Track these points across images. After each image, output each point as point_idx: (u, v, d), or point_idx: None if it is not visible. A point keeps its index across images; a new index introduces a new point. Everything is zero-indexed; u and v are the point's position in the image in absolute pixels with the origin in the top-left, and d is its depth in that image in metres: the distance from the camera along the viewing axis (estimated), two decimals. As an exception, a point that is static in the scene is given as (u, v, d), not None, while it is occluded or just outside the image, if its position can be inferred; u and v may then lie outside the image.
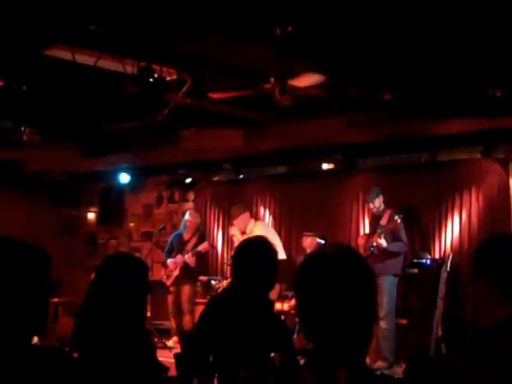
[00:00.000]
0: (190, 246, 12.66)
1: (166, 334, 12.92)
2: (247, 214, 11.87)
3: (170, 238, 13.15)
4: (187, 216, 12.98)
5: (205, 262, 13.19)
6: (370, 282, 2.40)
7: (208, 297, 12.19)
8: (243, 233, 11.57)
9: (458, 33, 6.50)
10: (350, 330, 2.33)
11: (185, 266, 12.54)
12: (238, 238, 11.39)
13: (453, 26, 6.35)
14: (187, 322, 12.40)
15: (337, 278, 2.34)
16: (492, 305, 2.79)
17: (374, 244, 10.25)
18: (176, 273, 12.57)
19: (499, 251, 2.88)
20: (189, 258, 12.48)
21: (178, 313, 12.68)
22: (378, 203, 10.88)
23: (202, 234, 13.34)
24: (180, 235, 12.94)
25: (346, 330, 2.32)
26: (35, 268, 2.73)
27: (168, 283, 12.57)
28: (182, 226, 13.05)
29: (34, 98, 8.88)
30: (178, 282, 12.58)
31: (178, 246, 12.78)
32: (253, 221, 11.93)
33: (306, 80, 8.23)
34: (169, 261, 12.66)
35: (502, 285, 2.77)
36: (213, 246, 13.90)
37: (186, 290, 12.58)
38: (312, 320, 2.37)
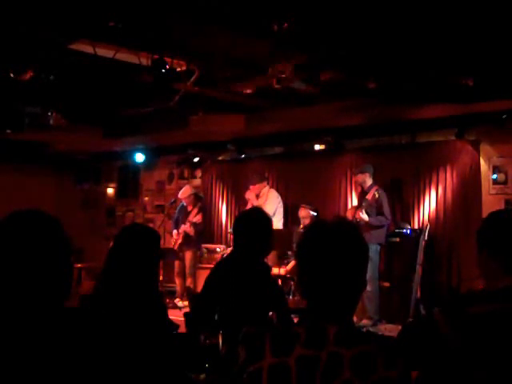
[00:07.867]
0: (192, 216, 12.95)
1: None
2: (264, 183, 12.31)
3: (177, 209, 13.36)
4: (180, 194, 13.25)
5: (201, 231, 13.22)
6: (364, 253, 2.39)
7: (213, 262, 12.23)
8: (257, 196, 12.06)
9: (435, 30, 6.48)
10: (341, 293, 2.31)
11: (186, 235, 12.82)
12: (252, 200, 11.97)
13: (431, 25, 6.33)
14: (189, 283, 12.60)
15: (335, 245, 2.33)
16: (493, 275, 2.75)
17: (358, 218, 10.27)
18: (180, 240, 12.83)
19: (499, 227, 2.79)
20: (187, 227, 12.80)
21: (182, 275, 12.87)
22: (360, 178, 10.89)
23: (202, 204, 13.49)
24: (185, 206, 13.18)
25: (338, 292, 2.30)
26: (64, 237, 2.68)
27: (175, 247, 12.82)
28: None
29: (61, 87, 8.88)
30: (182, 248, 12.85)
31: (183, 217, 13.03)
32: (267, 187, 12.36)
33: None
34: (174, 232, 13.01)
35: (500, 258, 2.74)
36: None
37: (188, 255, 12.86)
38: (309, 281, 2.36)
